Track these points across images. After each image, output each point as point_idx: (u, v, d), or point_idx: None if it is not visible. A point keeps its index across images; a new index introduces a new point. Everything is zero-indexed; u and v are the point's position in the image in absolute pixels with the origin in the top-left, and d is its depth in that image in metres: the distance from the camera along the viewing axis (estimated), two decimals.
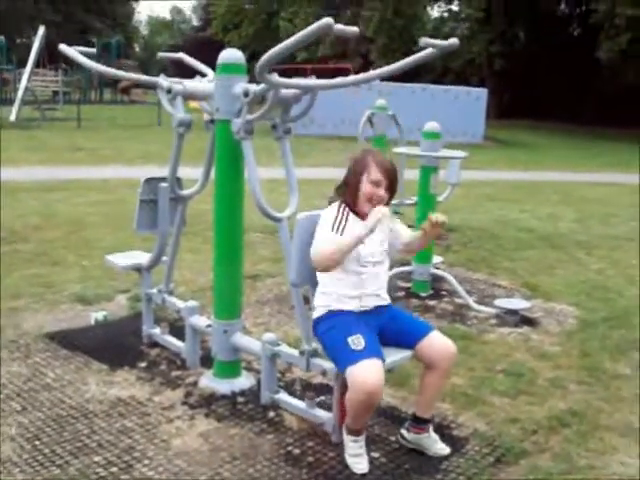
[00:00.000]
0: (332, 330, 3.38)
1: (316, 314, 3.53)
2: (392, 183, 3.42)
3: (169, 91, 4.00)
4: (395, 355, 3.42)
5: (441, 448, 3.55)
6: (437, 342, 3.44)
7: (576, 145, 21.65)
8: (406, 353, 3.47)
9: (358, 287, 3.44)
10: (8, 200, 9.45)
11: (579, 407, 4.11)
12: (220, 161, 3.97)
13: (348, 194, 3.45)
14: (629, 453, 3.63)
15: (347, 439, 3.41)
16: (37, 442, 3.55)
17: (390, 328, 3.48)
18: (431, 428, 3.58)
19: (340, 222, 3.38)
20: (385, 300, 3.57)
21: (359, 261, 3.41)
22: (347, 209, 3.44)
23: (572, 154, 19.55)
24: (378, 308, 3.53)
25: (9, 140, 16.25)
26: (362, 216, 3.39)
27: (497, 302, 5.70)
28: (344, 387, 3.27)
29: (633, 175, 15.07)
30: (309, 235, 3.52)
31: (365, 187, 3.39)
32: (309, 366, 3.67)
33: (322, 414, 3.68)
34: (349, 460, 3.38)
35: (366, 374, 3.10)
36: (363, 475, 3.33)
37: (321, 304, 3.51)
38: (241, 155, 3.82)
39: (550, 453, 3.62)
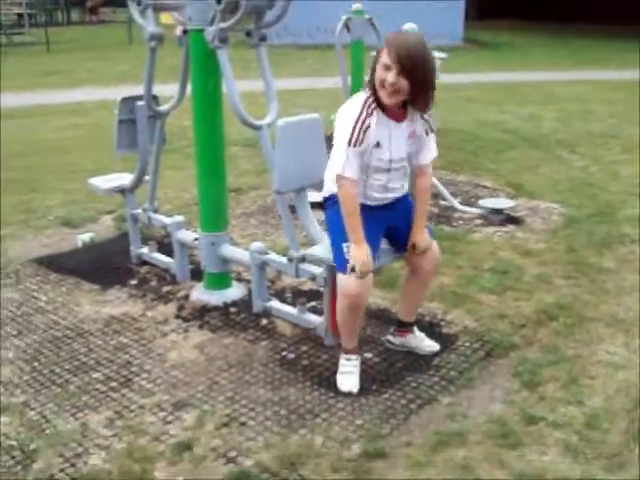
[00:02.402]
0: (336, 218, 3.21)
1: (329, 191, 3.36)
2: (407, 70, 2.91)
3: (139, 3, 3.87)
4: (383, 257, 3.42)
5: (429, 345, 3.62)
6: (429, 252, 3.38)
7: (554, 44, 21.32)
8: (392, 255, 3.47)
9: (382, 191, 3.28)
10: None
11: (566, 301, 4.19)
12: (196, 73, 3.88)
13: (371, 81, 3.08)
14: (614, 342, 3.73)
15: (341, 357, 3.41)
16: (36, 363, 3.60)
17: (398, 224, 3.35)
18: (415, 329, 3.64)
19: (360, 129, 3.04)
20: (404, 190, 3.40)
21: (387, 167, 3.20)
22: (373, 104, 3.08)
23: (550, 53, 19.25)
24: (395, 199, 3.37)
25: None
26: (387, 109, 3.10)
27: (482, 202, 5.73)
28: (334, 291, 3.31)
29: (610, 72, 14.94)
30: (291, 142, 3.48)
31: (378, 71, 3.01)
32: (298, 272, 3.70)
33: (314, 319, 3.74)
34: (338, 378, 3.36)
35: (350, 283, 3.12)
36: (361, 379, 3.40)
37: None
38: (217, 66, 3.73)
39: (538, 345, 3.71)
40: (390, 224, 3.36)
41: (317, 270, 3.59)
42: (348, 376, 3.35)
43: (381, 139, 3.11)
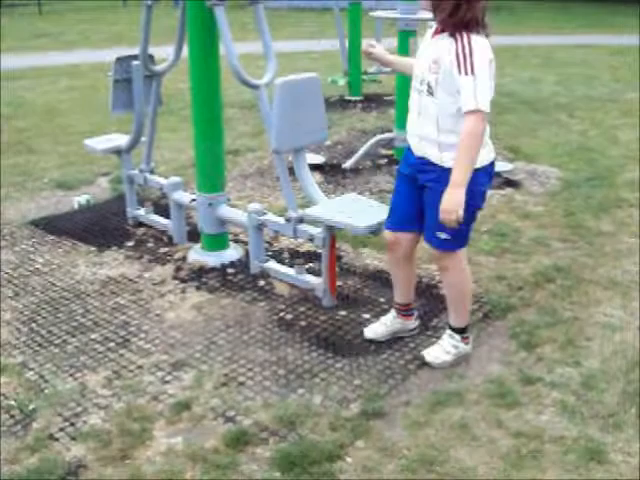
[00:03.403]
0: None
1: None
2: None
3: None
4: (380, 215, 3.37)
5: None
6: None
7: (556, 7, 21.06)
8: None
9: (413, 124, 3.03)
10: None
11: (563, 263, 4.19)
12: (193, 32, 3.82)
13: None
14: (612, 304, 3.74)
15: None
16: (33, 325, 3.60)
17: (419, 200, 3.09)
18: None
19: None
20: (428, 155, 2.97)
21: (414, 84, 2.96)
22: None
23: (552, 17, 19.04)
24: (420, 160, 3.02)
25: None
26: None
27: None
28: (333, 252, 3.29)
29: (611, 36, 14.78)
30: (289, 100, 3.44)
31: None
32: (296, 233, 3.68)
33: (312, 280, 3.74)
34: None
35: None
36: (356, 335, 3.42)
37: None
38: (214, 25, 3.67)
39: (536, 307, 3.72)
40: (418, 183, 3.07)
41: (315, 231, 3.57)
42: (376, 325, 3.40)
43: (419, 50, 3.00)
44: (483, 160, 2.92)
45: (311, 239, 3.64)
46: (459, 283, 3.16)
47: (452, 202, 2.77)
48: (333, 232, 3.50)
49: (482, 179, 2.95)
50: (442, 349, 3.23)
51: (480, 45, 2.76)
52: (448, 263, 3.10)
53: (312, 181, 3.72)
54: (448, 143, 2.87)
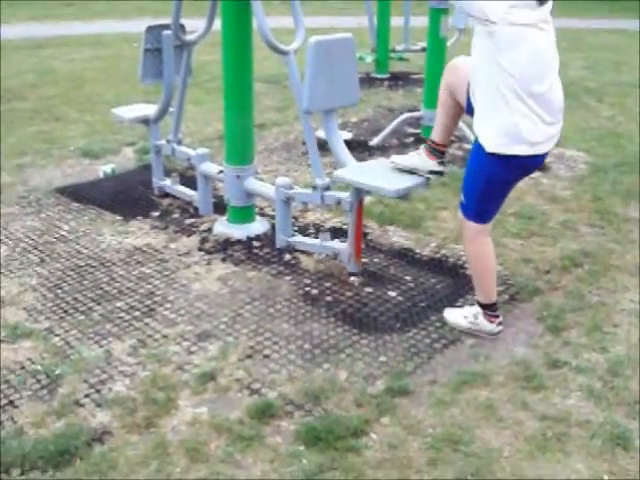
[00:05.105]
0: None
1: None
2: None
3: None
4: (410, 181, 3.37)
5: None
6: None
7: None
8: (418, 180, 3.38)
9: None
10: None
11: (591, 248, 4.15)
12: (226, 2, 3.79)
13: None
14: (639, 291, 3.69)
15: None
16: (59, 291, 3.61)
17: None
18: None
19: None
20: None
21: None
22: None
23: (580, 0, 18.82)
24: None
25: None
26: None
27: None
28: (360, 215, 3.27)
29: None
30: (322, 60, 3.40)
31: None
32: (324, 200, 3.66)
33: (337, 246, 3.73)
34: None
35: None
36: (381, 312, 3.40)
37: None
38: None
39: (562, 291, 3.68)
40: None
41: (343, 195, 3.54)
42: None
43: None
44: (494, 146, 2.92)
45: (338, 202, 3.61)
46: (473, 258, 3.24)
47: None
48: (361, 196, 3.48)
49: (496, 167, 2.97)
50: (461, 312, 3.33)
51: None
52: (464, 231, 3.21)
53: (343, 144, 3.68)
54: None
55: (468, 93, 3.04)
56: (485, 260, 3.20)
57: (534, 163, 3.03)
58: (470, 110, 3.09)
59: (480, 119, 2.96)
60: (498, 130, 2.88)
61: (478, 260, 3.20)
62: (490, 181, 3.02)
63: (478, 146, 2.98)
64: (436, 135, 3.32)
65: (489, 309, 3.24)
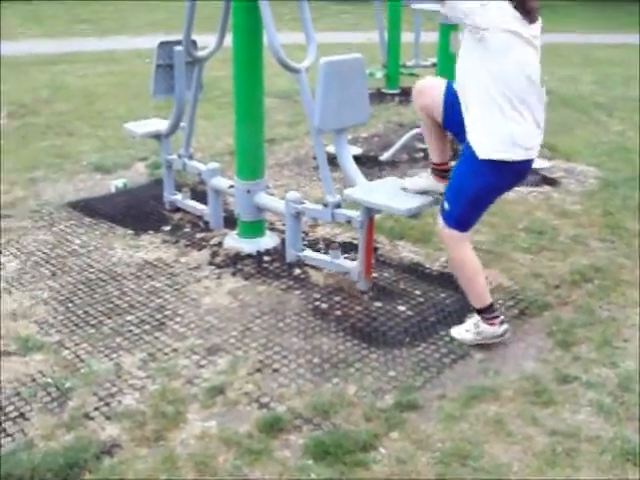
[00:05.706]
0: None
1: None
2: None
3: None
4: (421, 200, 3.42)
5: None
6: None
7: (596, 6, 20.77)
8: (429, 199, 3.44)
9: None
10: (13, 74, 9.22)
11: (601, 263, 4.14)
12: (238, 18, 3.83)
13: None
14: None
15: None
16: (70, 304, 3.63)
17: None
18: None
19: None
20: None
21: None
22: None
23: (592, 15, 18.82)
24: None
25: (6, 13, 15.68)
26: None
27: None
28: (370, 234, 3.28)
29: None
30: (333, 80, 3.44)
31: None
32: (334, 217, 3.68)
33: (347, 263, 3.74)
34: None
35: None
36: (391, 327, 3.41)
37: None
38: (257, 11, 3.67)
39: (572, 306, 3.67)
40: None
41: (353, 213, 3.56)
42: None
43: None
44: (489, 152, 2.97)
45: (349, 221, 3.62)
46: (458, 265, 3.28)
47: None
48: (372, 214, 3.49)
49: (490, 174, 3.03)
50: (463, 327, 3.34)
51: None
52: (445, 240, 3.26)
53: (353, 163, 3.70)
54: None
55: (444, 108, 3.14)
56: (470, 264, 3.23)
57: (525, 168, 3.12)
58: (447, 125, 3.21)
59: (473, 127, 3.02)
60: (493, 136, 2.96)
61: (464, 265, 3.23)
62: (482, 189, 3.08)
63: (469, 154, 3.02)
64: (435, 158, 3.41)
65: (487, 312, 3.26)
